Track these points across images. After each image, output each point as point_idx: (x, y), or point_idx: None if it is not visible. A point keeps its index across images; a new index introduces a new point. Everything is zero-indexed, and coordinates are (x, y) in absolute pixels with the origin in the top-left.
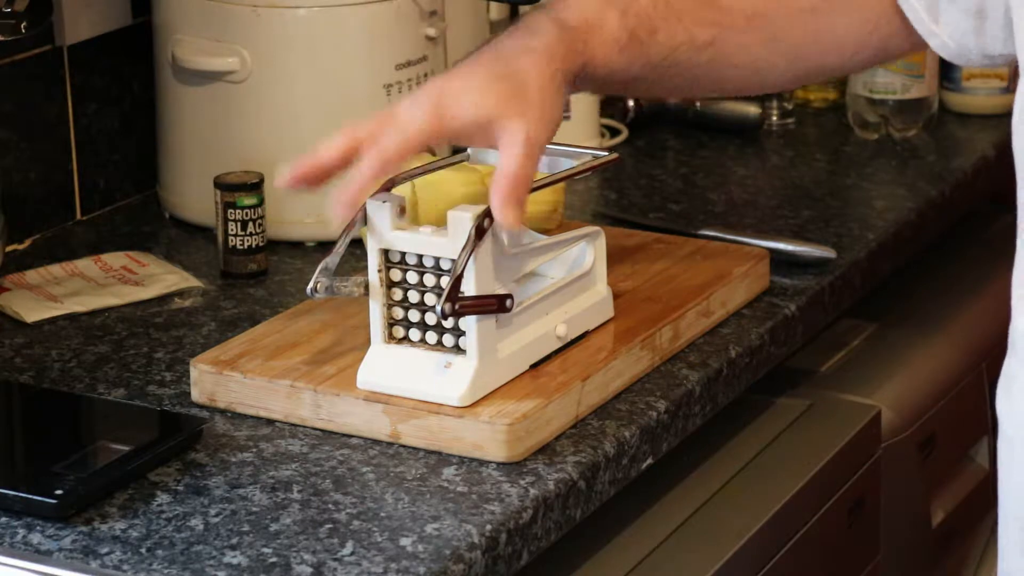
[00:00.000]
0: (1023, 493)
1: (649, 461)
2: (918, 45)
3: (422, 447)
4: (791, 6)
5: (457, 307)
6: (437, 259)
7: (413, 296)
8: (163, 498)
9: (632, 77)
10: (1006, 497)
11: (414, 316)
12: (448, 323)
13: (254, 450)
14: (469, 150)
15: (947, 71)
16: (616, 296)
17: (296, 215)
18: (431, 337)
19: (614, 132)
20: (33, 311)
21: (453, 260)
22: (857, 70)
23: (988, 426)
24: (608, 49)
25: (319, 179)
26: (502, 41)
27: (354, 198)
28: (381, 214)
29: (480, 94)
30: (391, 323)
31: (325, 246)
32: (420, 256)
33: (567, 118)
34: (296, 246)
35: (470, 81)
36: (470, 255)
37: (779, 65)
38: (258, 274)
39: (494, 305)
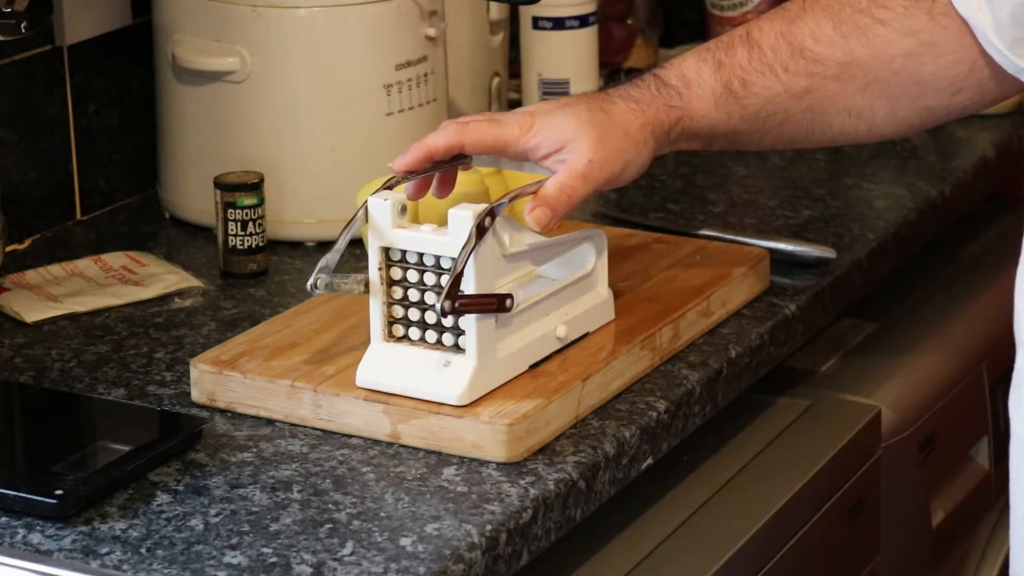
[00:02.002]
0: None
1: (649, 461)
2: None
3: (422, 447)
4: (884, 51)
5: (456, 305)
6: (437, 258)
7: (413, 294)
8: (163, 498)
9: (734, 130)
10: (1017, 497)
11: (414, 315)
12: (448, 322)
13: (254, 450)
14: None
15: None
16: (616, 296)
17: (296, 215)
18: (431, 336)
19: None
20: (33, 311)
21: (453, 259)
22: (964, 111)
23: (988, 426)
24: (704, 103)
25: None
26: (609, 89)
27: (421, 152)
28: (382, 212)
29: (566, 118)
30: (391, 321)
31: (325, 246)
32: (420, 255)
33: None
34: (296, 246)
35: (564, 107)
36: (470, 254)
37: (880, 111)
38: (258, 274)
39: (494, 304)
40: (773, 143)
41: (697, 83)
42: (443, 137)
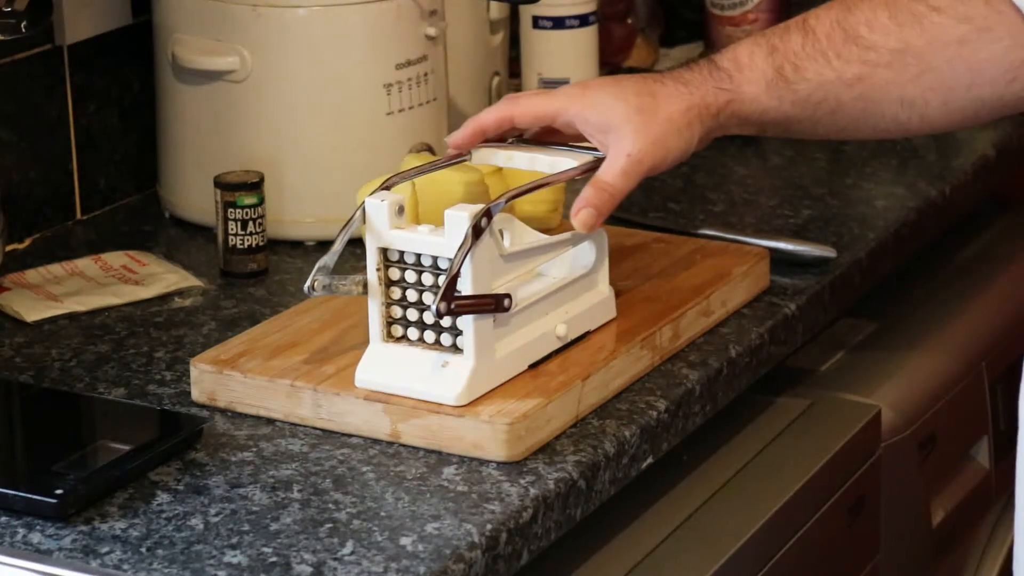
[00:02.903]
0: None
1: (649, 461)
2: None
3: (422, 446)
4: (938, 39)
5: (453, 306)
6: (435, 258)
7: (411, 295)
8: (163, 497)
9: (786, 116)
10: (1022, 491)
11: (412, 315)
12: (446, 322)
13: (254, 449)
14: (471, 149)
15: None
16: (616, 295)
17: (296, 215)
18: (429, 336)
19: None
20: (33, 310)
21: (450, 259)
22: (1019, 102)
23: (988, 426)
24: (755, 87)
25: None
26: (664, 71)
27: (473, 127)
28: (380, 213)
29: (615, 99)
30: (389, 322)
31: (325, 246)
32: (418, 255)
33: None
34: (296, 246)
35: (615, 86)
36: (466, 255)
37: (932, 101)
38: (258, 274)
39: (491, 305)
40: (826, 132)
41: (749, 67)
42: (494, 110)
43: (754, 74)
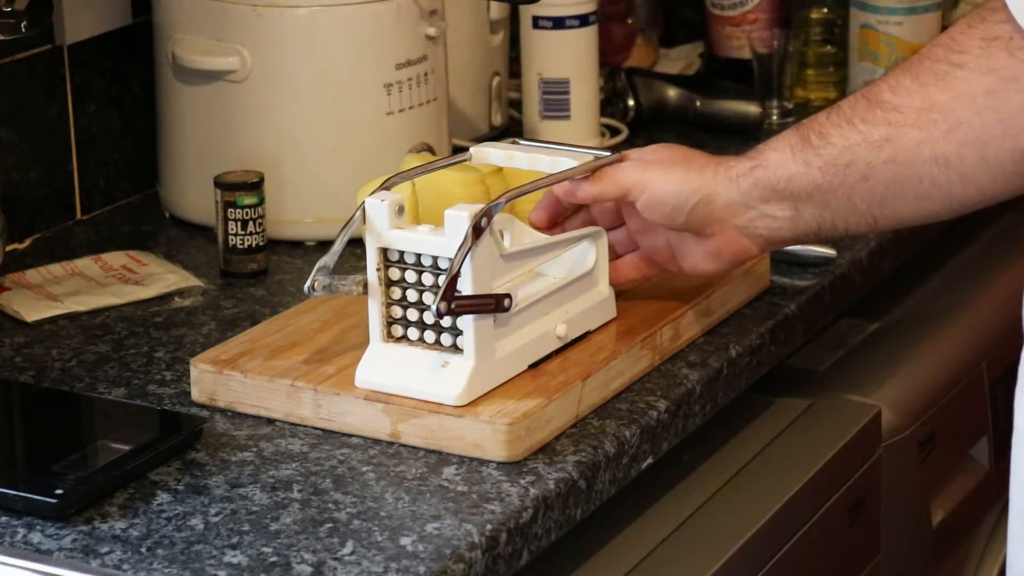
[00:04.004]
0: None
1: (649, 461)
2: None
3: (422, 446)
4: (964, 93)
5: (453, 306)
6: (435, 258)
7: (411, 295)
8: (163, 497)
9: (815, 184)
10: (1017, 493)
11: (412, 315)
12: (446, 322)
13: (254, 449)
14: (471, 149)
15: None
16: (616, 295)
17: (296, 215)
18: (429, 336)
19: (614, 132)
20: (33, 310)
21: (450, 259)
22: None
23: (988, 426)
24: (781, 153)
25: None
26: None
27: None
28: (379, 213)
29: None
30: (389, 322)
31: (325, 246)
32: (418, 255)
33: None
34: (296, 246)
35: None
36: (466, 255)
37: (968, 157)
38: (258, 274)
39: (491, 305)
40: (865, 204)
41: (776, 139)
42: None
43: (779, 143)
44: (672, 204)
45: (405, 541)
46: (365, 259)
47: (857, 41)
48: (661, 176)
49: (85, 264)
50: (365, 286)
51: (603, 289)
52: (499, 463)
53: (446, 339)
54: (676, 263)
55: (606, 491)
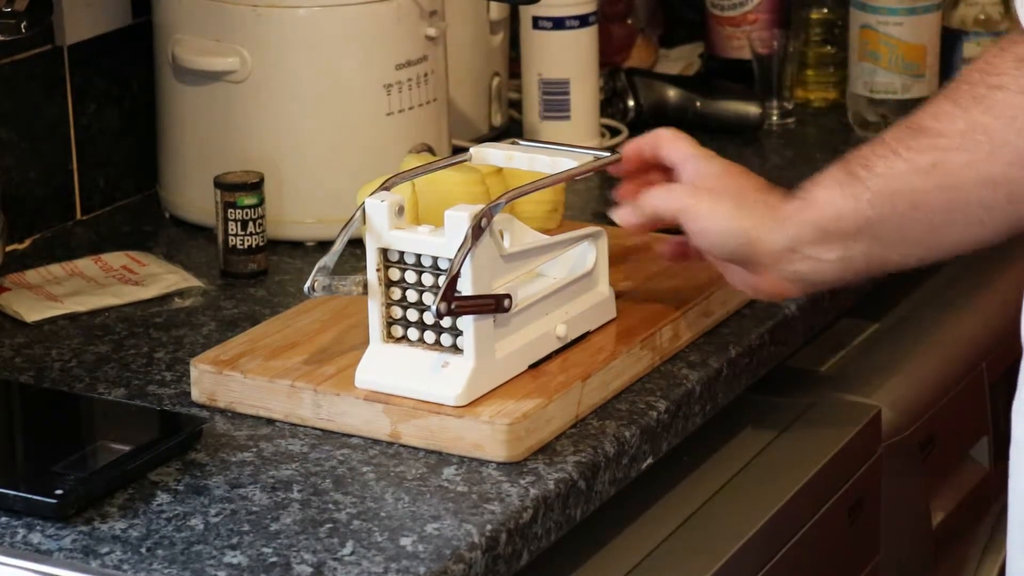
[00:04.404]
0: None
1: (649, 461)
2: None
3: (422, 447)
4: (1004, 113)
5: (453, 307)
6: (435, 258)
7: (411, 295)
8: (163, 498)
9: (866, 219)
10: (1015, 503)
11: (412, 315)
12: (446, 322)
13: (254, 450)
14: (471, 150)
15: (947, 71)
16: (616, 295)
17: (296, 215)
18: (429, 336)
19: (614, 132)
20: (33, 311)
21: (450, 260)
22: None
23: (988, 426)
24: (829, 190)
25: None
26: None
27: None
28: (379, 213)
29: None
30: (389, 322)
31: (325, 246)
32: (418, 255)
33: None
34: (296, 246)
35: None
36: (466, 255)
37: (1017, 176)
38: (258, 274)
39: (492, 305)
40: (919, 235)
41: (822, 176)
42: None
43: (826, 179)
44: (714, 241)
45: (405, 541)
46: (365, 259)
47: (857, 41)
48: (709, 209)
49: (85, 264)
50: (365, 286)
51: (603, 290)
52: (499, 463)
53: (446, 339)
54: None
55: (606, 491)
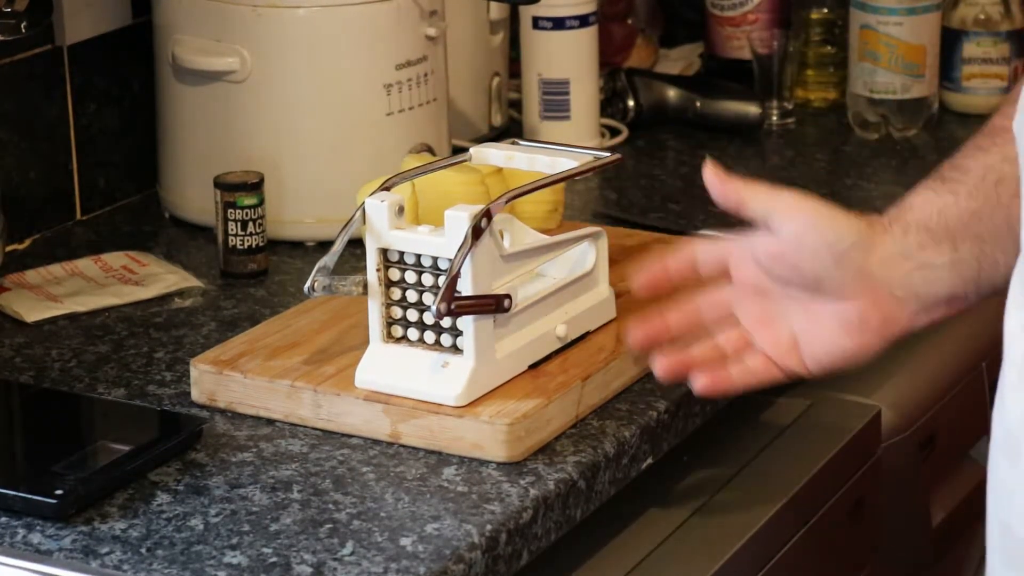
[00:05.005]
0: (1002, 496)
1: (649, 461)
2: None
3: (422, 447)
4: None
5: (453, 307)
6: (435, 259)
7: (411, 295)
8: (163, 498)
9: (968, 211)
10: (991, 500)
11: (412, 315)
12: (446, 323)
13: (254, 450)
14: (471, 150)
15: (947, 71)
16: (616, 296)
17: (296, 215)
18: (429, 337)
19: (614, 132)
20: (33, 311)
21: (450, 260)
22: None
23: (988, 426)
24: (923, 196)
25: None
26: None
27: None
28: (379, 213)
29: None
30: (389, 322)
31: (325, 246)
32: (418, 256)
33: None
34: (296, 246)
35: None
36: (466, 255)
37: None
38: (258, 274)
39: (492, 305)
40: (1010, 224)
41: (913, 191)
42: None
43: (919, 189)
44: (827, 240)
45: (405, 541)
46: (365, 259)
47: (857, 41)
48: (818, 207)
49: (85, 264)
50: (365, 286)
51: (603, 290)
52: (499, 463)
53: (446, 339)
54: (796, 356)
55: (606, 491)
